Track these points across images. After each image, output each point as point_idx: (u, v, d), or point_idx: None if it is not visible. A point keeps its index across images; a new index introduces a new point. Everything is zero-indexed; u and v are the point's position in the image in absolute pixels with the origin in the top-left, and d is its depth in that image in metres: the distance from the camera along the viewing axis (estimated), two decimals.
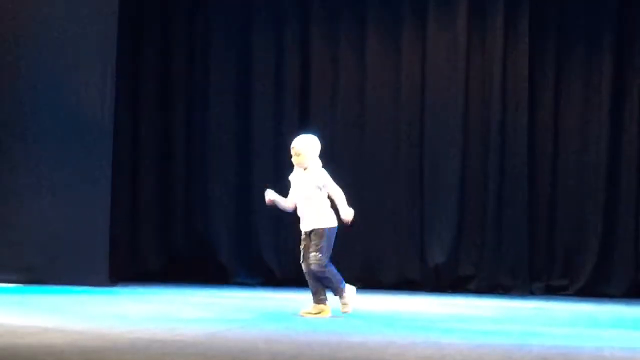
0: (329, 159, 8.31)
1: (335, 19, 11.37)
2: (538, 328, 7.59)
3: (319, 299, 7.88)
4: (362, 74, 11.31)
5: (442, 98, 11.16)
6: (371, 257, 11.14)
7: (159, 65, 11.61)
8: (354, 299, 7.93)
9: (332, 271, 7.82)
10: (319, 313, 7.83)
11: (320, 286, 7.87)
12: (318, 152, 7.94)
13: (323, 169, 7.91)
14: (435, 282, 10.99)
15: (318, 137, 8.02)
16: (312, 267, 7.77)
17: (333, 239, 7.87)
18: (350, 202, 7.94)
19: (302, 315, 7.84)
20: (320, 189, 7.85)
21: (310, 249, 7.79)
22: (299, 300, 8.66)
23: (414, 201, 11.19)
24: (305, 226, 7.87)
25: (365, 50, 11.30)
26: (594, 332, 7.46)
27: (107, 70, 10.26)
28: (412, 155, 11.22)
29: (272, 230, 11.20)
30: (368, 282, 10.97)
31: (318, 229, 7.80)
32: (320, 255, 7.75)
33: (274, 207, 8.11)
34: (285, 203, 7.99)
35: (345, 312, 7.89)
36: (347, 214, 7.85)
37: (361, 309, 8.65)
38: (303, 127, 11.20)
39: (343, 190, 7.90)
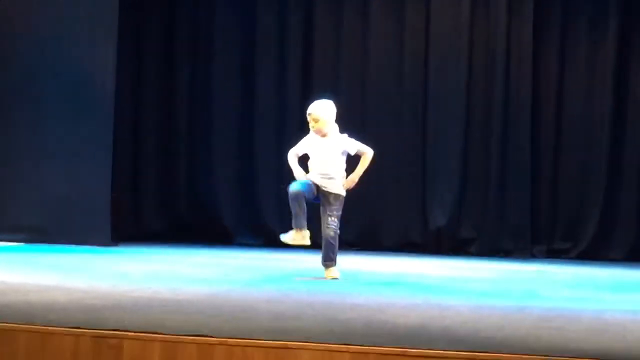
0: None
1: None
2: (539, 290, 7.60)
3: (300, 224, 7.62)
4: (366, 40, 11.25)
5: (446, 61, 11.11)
6: (373, 219, 11.14)
7: (162, 26, 11.55)
8: (332, 276, 7.67)
9: (337, 242, 7.72)
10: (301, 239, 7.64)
11: (302, 212, 7.58)
12: (335, 117, 7.76)
13: (343, 134, 7.76)
14: (437, 245, 11.01)
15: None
16: (328, 231, 7.60)
17: None
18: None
19: (283, 240, 7.69)
20: (343, 155, 7.71)
21: (330, 214, 7.63)
22: (301, 260, 8.65)
23: (416, 163, 11.18)
24: (329, 186, 7.66)
25: (369, 18, 11.25)
26: (595, 295, 7.47)
27: (109, 31, 10.18)
28: (415, 117, 11.19)
29: (274, 191, 11.19)
30: (370, 244, 11.01)
31: (341, 195, 7.69)
32: (338, 222, 7.64)
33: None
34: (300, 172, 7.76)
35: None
36: (353, 179, 7.72)
37: (363, 271, 8.68)
38: (306, 88, 11.20)
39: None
